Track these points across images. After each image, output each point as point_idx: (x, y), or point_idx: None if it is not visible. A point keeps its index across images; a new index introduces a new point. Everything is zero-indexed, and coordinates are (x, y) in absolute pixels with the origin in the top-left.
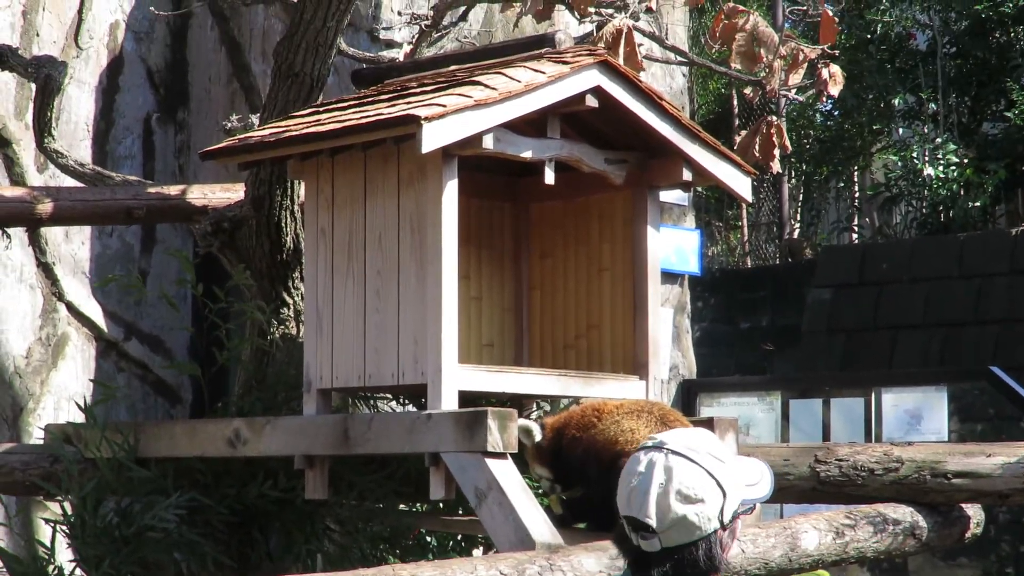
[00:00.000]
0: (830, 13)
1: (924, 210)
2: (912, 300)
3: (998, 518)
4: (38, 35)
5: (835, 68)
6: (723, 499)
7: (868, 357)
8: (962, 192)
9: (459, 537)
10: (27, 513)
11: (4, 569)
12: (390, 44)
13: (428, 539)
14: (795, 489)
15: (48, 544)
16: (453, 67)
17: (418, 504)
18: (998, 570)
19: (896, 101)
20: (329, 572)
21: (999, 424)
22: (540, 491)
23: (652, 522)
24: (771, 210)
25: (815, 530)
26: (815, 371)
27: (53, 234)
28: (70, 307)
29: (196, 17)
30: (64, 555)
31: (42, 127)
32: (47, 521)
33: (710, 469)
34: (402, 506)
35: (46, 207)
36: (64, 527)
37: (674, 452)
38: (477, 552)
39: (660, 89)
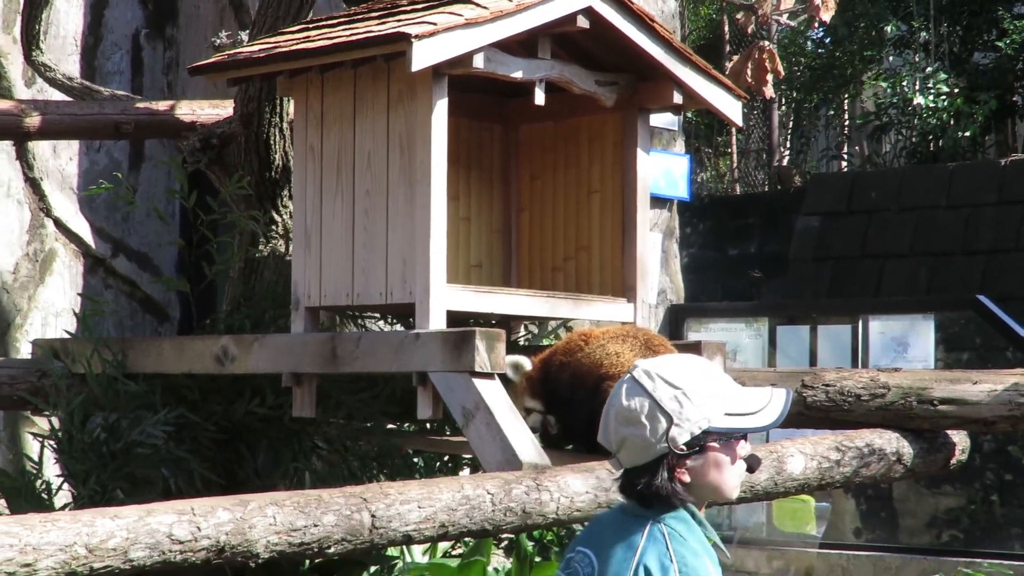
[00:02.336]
0: None
1: (913, 139)
2: (900, 229)
3: (983, 446)
4: None
5: None
6: (667, 424)
7: (855, 285)
8: (952, 122)
9: (446, 458)
10: (14, 428)
11: None
12: None
13: (416, 460)
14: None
15: (36, 459)
16: None
17: (406, 424)
18: (982, 498)
19: (888, 29)
20: (317, 491)
21: (985, 353)
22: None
23: (607, 444)
24: (761, 137)
25: (801, 455)
26: (802, 298)
27: (41, 149)
28: (57, 223)
29: None
30: (52, 470)
31: (30, 40)
32: (35, 436)
33: (655, 394)
34: (390, 426)
35: (34, 120)
36: (51, 442)
37: (632, 377)
38: (464, 473)
39: (651, 12)
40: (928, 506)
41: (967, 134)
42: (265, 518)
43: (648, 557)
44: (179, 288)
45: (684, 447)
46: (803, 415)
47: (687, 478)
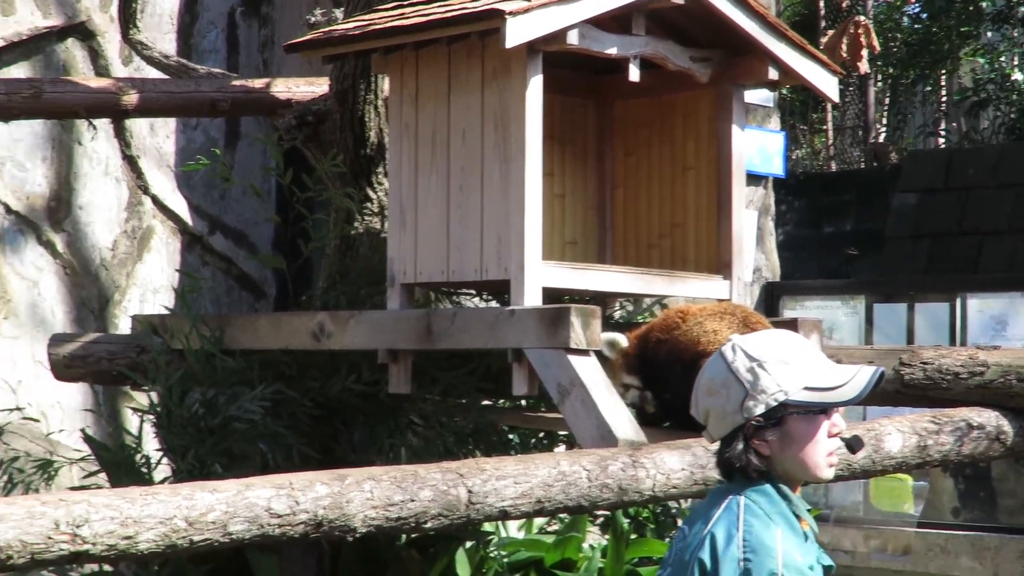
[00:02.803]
0: None
1: (1012, 115)
2: (998, 206)
3: None
4: None
5: None
6: (742, 394)
7: (952, 262)
8: None
9: (541, 434)
10: (114, 403)
11: (94, 456)
12: None
13: (511, 436)
14: (879, 392)
15: (135, 434)
16: None
17: (500, 401)
18: None
19: (985, 4)
20: (414, 466)
21: None
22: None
23: (697, 416)
24: (856, 113)
25: (899, 433)
26: (899, 276)
27: (138, 127)
28: (155, 200)
29: None
30: (151, 444)
31: (127, 19)
32: (134, 411)
33: (733, 365)
34: (485, 402)
35: (131, 99)
36: (151, 417)
37: (719, 351)
38: (559, 449)
39: None
40: None
41: None
42: (362, 493)
43: (717, 526)
44: (275, 265)
45: (761, 419)
46: (901, 393)
47: (766, 451)
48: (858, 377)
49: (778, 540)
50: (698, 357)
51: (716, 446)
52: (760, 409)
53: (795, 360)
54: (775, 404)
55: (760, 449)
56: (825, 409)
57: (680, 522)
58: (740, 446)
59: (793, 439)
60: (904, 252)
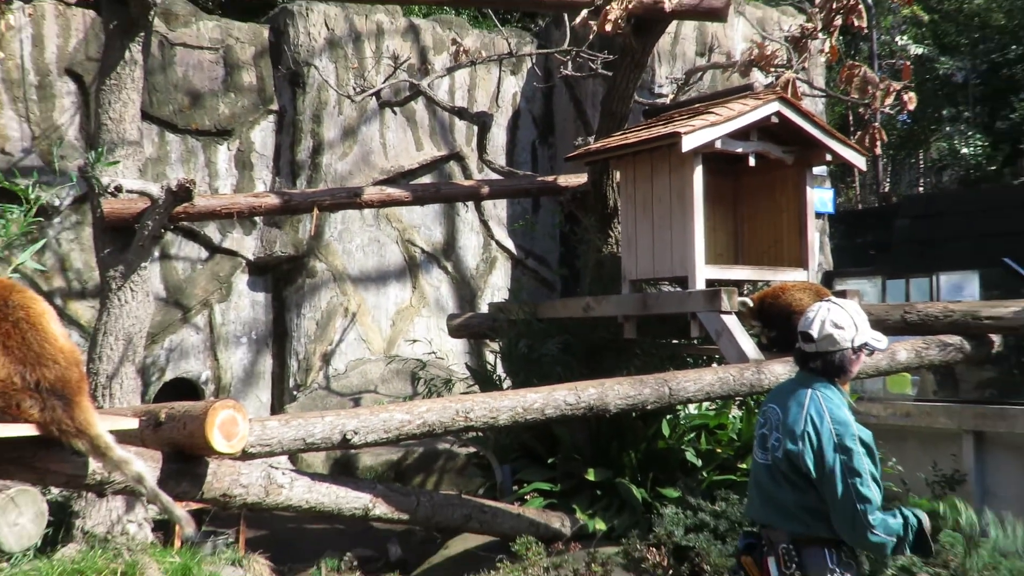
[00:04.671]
0: (908, 64)
1: (960, 175)
2: (955, 226)
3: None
4: (475, 101)
5: (911, 94)
6: (855, 332)
7: (931, 257)
8: (984, 162)
9: (705, 358)
10: (480, 349)
11: (471, 377)
12: (660, 95)
13: (689, 359)
14: (893, 327)
15: (491, 364)
16: (696, 104)
17: (683, 340)
18: (1008, 372)
19: (945, 112)
20: (639, 376)
21: (1006, 293)
22: (752, 334)
23: (814, 334)
24: (872, 176)
25: (904, 350)
26: (900, 265)
27: (488, 205)
28: (497, 242)
29: (557, 86)
30: (499, 370)
31: (480, 148)
32: (491, 352)
33: (852, 314)
34: (675, 341)
35: (485, 190)
36: (499, 355)
37: (834, 304)
38: (714, 365)
39: (811, 110)
40: (976, 376)
41: (993, 169)
42: (614, 391)
43: (811, 409)
44: (561, 274)
45: (856, 347)
46: (905, 328)
47: (849, 366)
48: (884, 337)
49: (846, 415)
50: (792, 312)
51: (799, 354)
52: (861, 342)
53: (865, 321)
54: (862, 342)
55: (850, 365)
56: (873, 350)
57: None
58: (847, 362)
59: (859, 362)
60: (903, 252)
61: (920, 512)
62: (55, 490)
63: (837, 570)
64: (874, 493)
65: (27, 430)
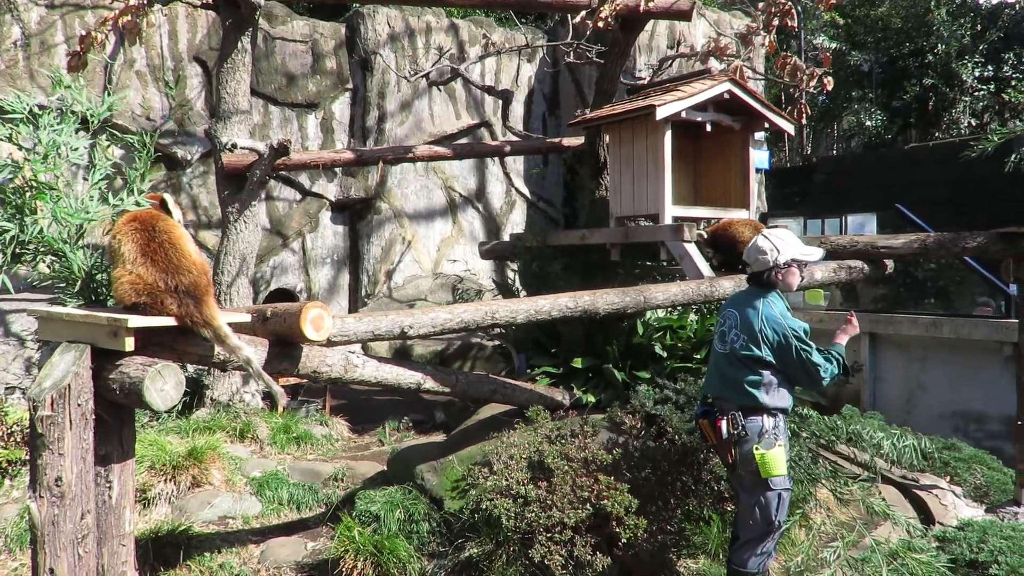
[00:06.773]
0: (828, 55)
1: (865, 142)
2: (858, 177)
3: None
4: (500, 82)
5: (829, 79)
6: (777, 254)
7: (841, 202)
8: (883, 131)
9: (671, 276)
10: (503, 268)
11: (495, 288)
12: (640, 78)
13: (659, 277)
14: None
15: (512, 279)
16: (667, 84)
17: (655, 262)
18: (896, 289)
19: (855, 93)
20: (622, 287)
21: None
22: (707, 258)
23: (748, 260)
24: (800, 141)
25: (820, 271)
26: (818, 207)
27: (510, 160)
28: (516, 189)
29: (561, 71)
30: (517, 284)
31: (504, 117)
32: (508, 268)
33: (773, 240)
34: (648, 263)
35: (507, 149)
36: (517, 272)
37: (762, 235)
38: (677, 280)
39: (755, 89)
40: (872, 292)
41: (889, 137)
42: (603, 299)
43: (764, 311)
44: (564, 213)
45: (782, 264)
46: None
47: (779, 278)
48: (818, 251)
49: (790, 314)
50: (736, 242)
51: (749, 273)
52: (782, 260)
53: (794, 242)
54: (788, 259)
55: (778, 277)
56: (803, 264)
57: (723, 305)
58: (771, 275)
59: (791, 275)
60: (819, 199)
61: (840, 349)
62: (191, 368)
63: (771, 431)
64: (819, 357)
65: (168, 321)
